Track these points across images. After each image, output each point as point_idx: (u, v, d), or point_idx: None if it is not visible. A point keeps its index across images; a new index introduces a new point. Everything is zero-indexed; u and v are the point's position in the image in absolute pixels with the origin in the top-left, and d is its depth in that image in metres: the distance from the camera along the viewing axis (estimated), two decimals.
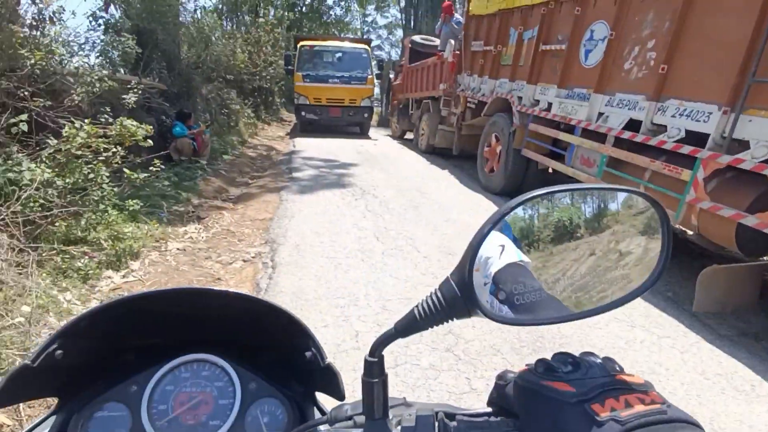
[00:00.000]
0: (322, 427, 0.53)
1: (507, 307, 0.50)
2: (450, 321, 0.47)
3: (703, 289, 3.08)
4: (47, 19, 3.85)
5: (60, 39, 4.15)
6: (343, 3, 26.60)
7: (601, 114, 4.44)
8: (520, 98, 5.89)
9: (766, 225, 2.70)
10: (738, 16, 3.05)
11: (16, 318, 2.18)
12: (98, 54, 5.87)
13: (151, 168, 4.13)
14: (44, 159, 3.22)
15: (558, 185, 0.51)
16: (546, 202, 0.56)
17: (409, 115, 11.69)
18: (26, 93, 3.43)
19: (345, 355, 2.49)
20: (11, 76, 3.41)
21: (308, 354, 0.61)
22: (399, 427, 0.49)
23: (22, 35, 3.53)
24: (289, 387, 0.66)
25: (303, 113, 12.22)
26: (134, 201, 3.89)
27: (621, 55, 4.20)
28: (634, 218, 0.57)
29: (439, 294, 0.47)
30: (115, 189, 3.72)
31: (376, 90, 14.53)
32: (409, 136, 12.38)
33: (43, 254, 2.92)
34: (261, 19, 16.45)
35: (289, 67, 12.67)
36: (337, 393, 0.61)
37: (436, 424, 0.48)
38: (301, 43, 12.71)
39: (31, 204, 2.93)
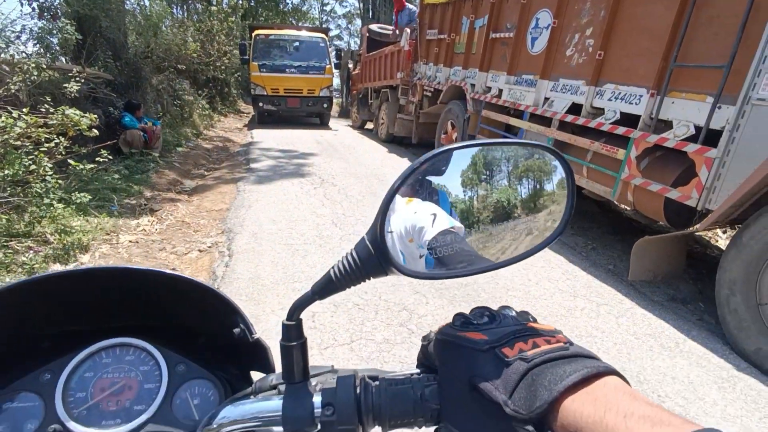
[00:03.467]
0: (249, 400, 0.52)
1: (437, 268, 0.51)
2: (367, 280, 0.47)
3: (637, 259, 3.32)
4: None
5: None
6: None
7: (546, 99, 4.64)
8: (473, 85, 6.05)
9: (686, 197, 2.95)
10: (663, 4, 3.27)
11: None
12: (35, 42, 5.56)
13: (97, 159, 4.00)
14: None
15: (464, 141, 0.52)
16: (472, 167, 0.60)
17: (369, 105, 11.68)
18: None
19: None
20: None
21: (236, 331, 0.59)
22: (320, 390, 0.48)
23: None
24: (226, 369, 0.64)
25: (261, 104, 11.98)
26: (82, 194, 3.76)
27: (563, 43, 4.40)
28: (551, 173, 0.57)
29: (354, 254, 0.46)
30: (61, 182, 3.59)
31: (336, 80, 14.41)
32: (370, 126, 12.40)
33: None
34: (214, 7, 15.95)
35: (245, 57, 12.40)
36: (267, 367, 0.60)
37: (357, 385, 0.47)
38: (256, 32, 12.41)
39: None
